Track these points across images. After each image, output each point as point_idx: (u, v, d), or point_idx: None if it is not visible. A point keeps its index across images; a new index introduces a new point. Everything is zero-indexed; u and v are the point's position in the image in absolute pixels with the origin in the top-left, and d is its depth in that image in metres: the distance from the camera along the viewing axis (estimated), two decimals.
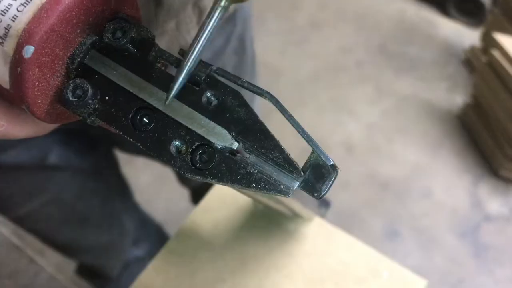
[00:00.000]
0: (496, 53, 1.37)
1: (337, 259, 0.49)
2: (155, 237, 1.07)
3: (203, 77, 0.22)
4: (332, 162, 0.22)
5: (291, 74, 1.70)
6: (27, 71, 0.21)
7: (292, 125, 0.21)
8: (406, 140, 1.55)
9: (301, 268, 0.49)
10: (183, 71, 0.21)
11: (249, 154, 0.21)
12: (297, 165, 0.21)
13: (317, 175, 0.21)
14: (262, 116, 0.22)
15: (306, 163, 0.22)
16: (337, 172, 0.22)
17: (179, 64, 0.22)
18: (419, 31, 2.00)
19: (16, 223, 0.83)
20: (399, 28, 2.00)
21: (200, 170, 0.21)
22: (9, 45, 0.21)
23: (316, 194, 0.21)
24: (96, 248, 0.95)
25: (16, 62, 0.21)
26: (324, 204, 0.54)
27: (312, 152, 0.22)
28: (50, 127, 0.26)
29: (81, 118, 0.22)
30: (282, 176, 0.21)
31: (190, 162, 0.21)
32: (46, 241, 0.91)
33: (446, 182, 1.47)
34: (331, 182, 0.22)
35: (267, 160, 0.21)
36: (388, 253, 1.14)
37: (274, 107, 0.21)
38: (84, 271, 1.06)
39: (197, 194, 0.98)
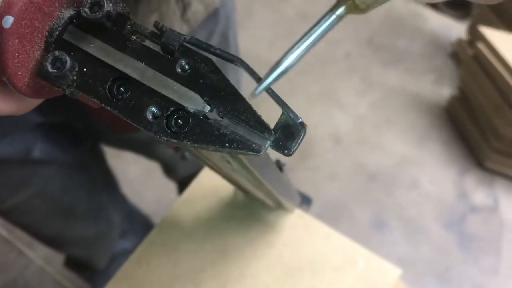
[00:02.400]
0: (481, 46, 1.38)
1: (315, 249, 0.50)
2: (142, 229, 1.08)
3: (177, 46, 0.23)
4: (300, 120, 0.23)
5: None
6: (7, 41, 0.22)
7: (264, 88, 0.23)
8: (394, 132, 1.56)
9: (280, 258, 0.50)
10: (276, 70, 0.22)
11: (222, 117, 0.22)
12: (268, 125, 0.22)
13: (287, 134, 0.22)
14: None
15: (276, 124, 0.23)
16: (305, 129, 0.23)
17: (154, 37, 0.23)
18: (407, 24, 2.01)
19: (3, 216, 0.83)
20: (387, 21, 2.01)
21: (175, 133, 0.22)
22: None
23: (286, 152, 0.22)
24: (83, 240, 0.96)
25: None
26: (306, 201, 0.56)
27: (282, 114, 0.23)
28: (33, 103, 0.27)
29: (60, 90, 0.23)
30: (254, 136, 0.22)
31: (166, 127, 0.22)
32: (33, 234, 0.91)
33: (433, 174, 1.49)
34: (300, 140, 0.22)
35: (240, 122, 0.22)
36: (375, 243, 1.15)
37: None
38: (72, 263, 1.06)
39: (184, 186, 0.99)
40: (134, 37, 0.23)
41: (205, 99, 0.22)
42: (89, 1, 0.23)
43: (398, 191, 1.44)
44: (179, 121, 0.22)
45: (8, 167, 0.73)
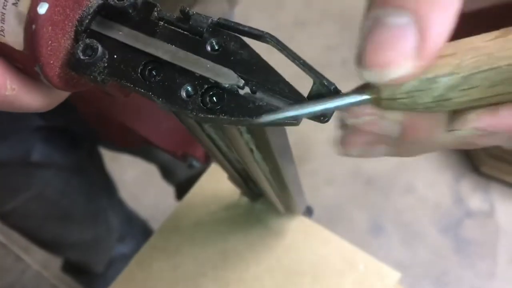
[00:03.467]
0: None
1: (315, 253, 0.51)
2: (140, 233, 1.08)
3: (205, 28, 0.23)
4: (334, 86, 0.23)
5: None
6: (41, 27, 0.22)
7: (293, 60, 0.23)
8: None
9: (281, 262, 0.51)
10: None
11: (256, 91, 0.22)
12: (302, 95, 0.22)
13: None
14: None
15: (309, 93, 0.23)
16: (340, 94, 0.23)
17: (181, 21, 0.23)
18: None
19: (1, 219, 0.83)
20: None
21: (211, 110, 0.22)
22: (24, 4, 0.22)
23: (322, 118, 0.22)
24: (81, 244, 0.96)
25: (31, 20, 0.22)
26: (308, 211, 0.56)
27: (314, 83, 0.23)
28: (60, 98, 0.27)
29: (91, 78, 0.23)
30: (289, 106, 0.22)
31: (201, 104, 0.22)
32: (31, 237, 0.91)
33: (429, 178, 1.49)
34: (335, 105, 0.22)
35: (274, 93, 0.22)
36: (372, 246, 1.15)
37: None
38: (70, 267, 1.06)
39: (182, 190, 0.99)
40: (162, 23, 0.24)
41: (238, 74, 0.22)
42: None
43: (395, 195, 1.45)
44: (214, 98, 0.22)
45: (7, 170, 0.74)
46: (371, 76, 0.18)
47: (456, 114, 0.19)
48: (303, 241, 0.52)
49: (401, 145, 0.22)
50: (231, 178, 0.46)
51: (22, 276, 1.19)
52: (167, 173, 1.01)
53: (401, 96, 0.19)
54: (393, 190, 1.45)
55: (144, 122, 0.70)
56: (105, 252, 1.02)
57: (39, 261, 1.21)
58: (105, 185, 0.99)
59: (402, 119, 0.20)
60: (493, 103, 0.18)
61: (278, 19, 2.01)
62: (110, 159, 1.08)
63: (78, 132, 0.83)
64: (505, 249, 1.38)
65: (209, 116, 0.22)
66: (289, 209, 0.49)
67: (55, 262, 1.13)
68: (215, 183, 0.55)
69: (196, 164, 0.67)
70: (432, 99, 0.18)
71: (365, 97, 0.20)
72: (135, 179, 1.38)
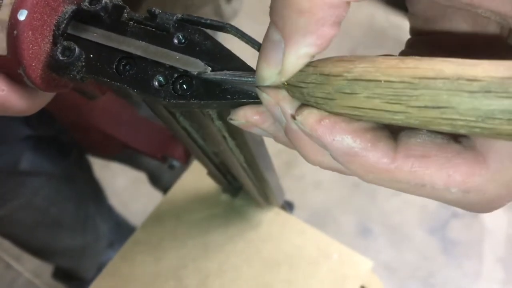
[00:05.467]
0: None
1: (291, 244, 0.53)
2: None
3: (171, 24, 0.25)
4: None
5: None
6: (22, 32, 0.24)
7: (252, 45, 0.25)
8: None
9: (259, 253, 0.53)
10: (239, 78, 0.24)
11: (222, 75, 0.24)
12: None
13: None
14: None
15: None
16: None
17: (148, 20, 0.26)
18: (388, 36, 2.07)
19: None
20: (369, 33, 2.06)
21: (182, 96, 0.24)
22: (5, 13, 0.25)
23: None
24: (71, 251, 0.97)
25: (12, 26, 0.24)
26: (288, 206, 0.58)
27: None
28: (44, 100, 0.29)
29: (71, 77, 0.26)
30: (252, 86, 0.24)
31: (172, 91, 0.24)
32: (21, 245, 0.92)
33: None
34: None
35: (239, 76, 0.24)
36: (360, 249, 1.17)
37: None
38: (60, 274, 1.07)
39: None
40: (131, 23, 0.26)
41: (204, 62, 0.24)
42: None
43: (382, 198, 1.47)
44: (184, 85, 0.24)
45: None
46: (256, 74, 0.21)
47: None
48: (280, 233, 0.54)
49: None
50: (211, 173, 0.48)
51: (12, 284, 1.19)
52: (154, 179, 1.03)
53: (301, 85, 0.20)
54: (380, 193, 1.47)
55: (122, 127, 0.72)
56: (95, 258, 1.03)
57: (30, 270, 1.21)
58: (94, 193, 1.00)
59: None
60: (365, 116, 0.19)
61: (267, 25, 2.04)
62: (101, 167, 1.09)
63: (66, 140, 0.84)
64: (490, 249, 1.39)
65: (181, 101, 0.24)
66: (268, 200, 0.51)
67: (46, 270, 1.13)
68: (197, 180, 0.57)
69: (176, 164, 0.69)
70: (322, 95, 0.19)
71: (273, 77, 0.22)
72: (125, 187, 1.40)
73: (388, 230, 1.40)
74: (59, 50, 0.25)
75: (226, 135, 0.33)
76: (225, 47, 0.25)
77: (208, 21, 0.25)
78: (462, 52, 0.18)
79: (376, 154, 0.19)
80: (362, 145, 0.19)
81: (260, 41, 0.22)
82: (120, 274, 0.51)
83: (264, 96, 0.21)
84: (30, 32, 0.25)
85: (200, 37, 0.25)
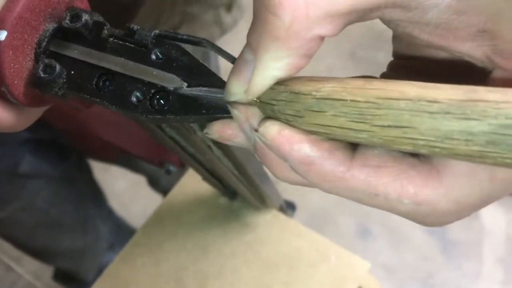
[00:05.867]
0: None
1: (289, 246, 0.53)
2: None
3: (149, 40, 0.26)
4: None
5: None
6: (2, 52, 0.25)
7: (227, 59, 0.25)
8: None
9: (258, 255, 0.53)
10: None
11: (197, 91, 0.25)
12: None
13: None
14: None
15: None
16: None
17: (127, 36, 0.26)
18: (386, 37, 2.06)
19: None
20: (367, 34, 2.06)
21: (159, 111, 0.25)
22: None
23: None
24: (71, 253, 0.97)
25: None
26: (290, 207, 0.59)
27: None
28: (32, 116, 0.29)
29: (53, 94, 0.26)
30: (223, 101, 0.24)
31: (150, 107, 0.25)
32: (21, 246, 0.92)
33: None
34: None
35: (213, 92, 0.24)
36: (360, 250, 1.17)
37: None
38: (61, 276, 1.08)
39: None
40: (111, 39, 0.27)
41: (180, 78, 0.25)
42: (69, 14, 0.27)
43: None
44: (161, 100, 0.25)
45: None
46: (226, 88, 0.22)
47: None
48: (278, 235, 0.54)
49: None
50: (206, 179, 0.49)
51: (13, 286, 1.20)
52: (153, 182, 1.04)
53: (273, 102, 0.21)
54: None
55: (119, 134, 0.73)
56: (95, 260, 1.03)
57: (31, 272, 1.21)
58: (93, 195, 1.01)
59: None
60: (331, 133, 0.19)
61: None
62: (101, 169, 1.10)
63: (66, 143, 0.85)
64: (490, 250, 1.40)
65: (158, 116, 0.25)
66: (264, 203, 0.52)
67: (47, 272, 1.13)
68: (196, 183, 0.57)
69: (173, 169, 0.70)
70: (292, 113, 0.20)
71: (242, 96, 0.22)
72: (125, 189, 1.40)
73: (388, 231, 1.40)
74: (40, 67, 0.26)
75: (211, 144, 0.34)
76: (201, 63, 0.25)
77: (185, 37, 0.26)
78: (441, 78, 0.18)
79: (332, 163, 0.20)
80: (319, 153, 0.20)
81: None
82: (120, 276, 0.52)
83: (235, 112, 0.22)
84: (10, 52, 0.25)
85: (177, 52, 0.26)
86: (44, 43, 0.27)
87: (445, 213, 0.20)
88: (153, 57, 0.26)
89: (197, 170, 0.45)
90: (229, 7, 0.68)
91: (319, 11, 0.18)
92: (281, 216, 0.55)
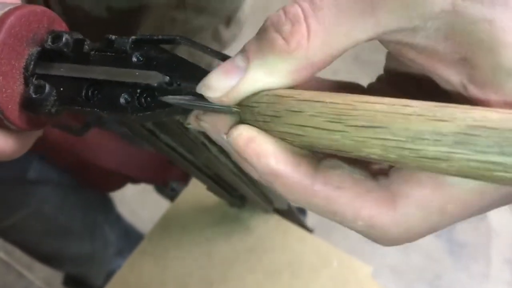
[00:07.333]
0: None
1: (292, 252, 0.54)
2: None
3: (128, 46, 0.27)
4: None
5: None
6: None
7: (203, 51, 0.27)
8: None
9: (261, 261, 0.54)
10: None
11: (180, 84, 0.26)
12: None
13: None
14: None
15: None
16: None
17: (107, 46, 0.28)
18: None
19: (0, 235, 0.86)
20: None
21: (148, 107, 0.26)
22: None
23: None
24: (80, 258, 0.98)
25: None
26: (301, 212, 0.60)
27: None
28: (31, 139, 0.31)
29: (46, 112, 0.27)
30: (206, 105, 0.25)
31: (138, 105, 0.26)
32: (31, 252, 0.93)
33: None
34: None
35: (195, 82, 0.25)
36: (367, 253, 1.18)
37: None
38: (71, 281, 1.09)
39: None
40: (93, 52, 0.28)
41: (163, 73, 0.26)
42: (50, 36, 0.28)
43: None
44: (148, 98, 0.26)
45: (5, 188, 0.76)
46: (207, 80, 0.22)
47: None
48: (281, 241, 0.55)
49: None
50: (210, 188, 0.50)
51: None
52: (160, 189, 1.05)
53: (254, 104, 0.21)
54: None
55: (119, 160, 0.74)
56: (104, 266, 1.04)
57: (42, 278, 1.22)
58: (101, 201, 1.02)
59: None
60: (304, 135, 0.20)
61: None
62: None
63: None
64: (498, 251, 1.39)
65: (147, 113, 0.26)
66: (272, 204, 0.53)
67: (57, 279, 1.14)
68: (202, 190, 0.58)
69: (177, 187, 0.70)
70: (271, 113, 0.21)
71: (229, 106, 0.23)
72: (133, 195, 1.41)
73: None
74: (31, 89, 0.27)
75: (206, 141, 0.35)
76: (182, 58, 0.26)
77: (160, 37, 0.27)
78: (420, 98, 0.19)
79: (297, 176, 0.21)
80: (284, 167, 0.21)
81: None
82: (128, 283, 0.53)
83: (205, 117, 0.23)
84: (1, 78, 0.26)
85: (155, 52, 0.27)
86: (31, 66, 0.28)
87: (395, 238, 0.21)
88: (134, 59, 0.27)
89: (199, 178, 0.45)
90: (228, 23, 0.69)
91: (318, 55, 0.20)
92: (284, 222, 0.56)
